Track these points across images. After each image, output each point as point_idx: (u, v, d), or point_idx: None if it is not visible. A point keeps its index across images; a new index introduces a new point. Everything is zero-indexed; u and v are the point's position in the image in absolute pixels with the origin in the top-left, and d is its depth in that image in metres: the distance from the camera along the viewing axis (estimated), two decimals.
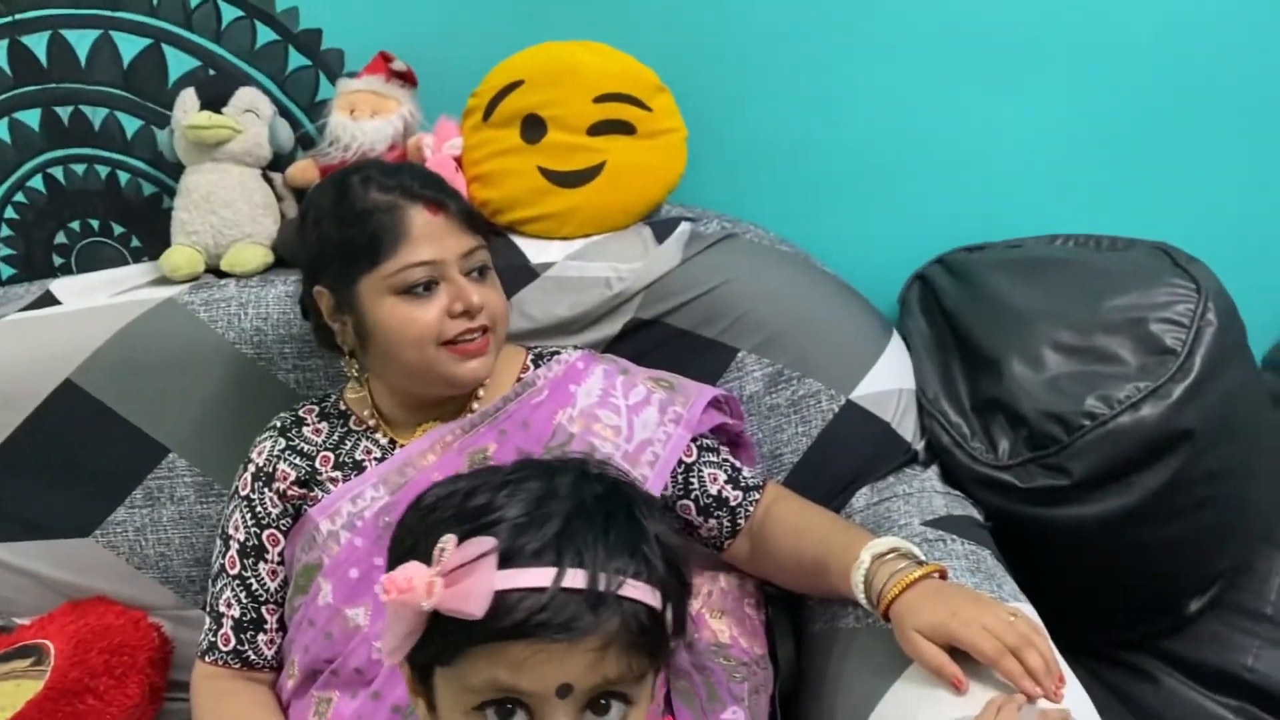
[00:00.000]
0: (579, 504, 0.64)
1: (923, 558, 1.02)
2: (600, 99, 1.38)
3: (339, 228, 1.13)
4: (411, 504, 0.70)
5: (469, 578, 0.59)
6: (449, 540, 0.61)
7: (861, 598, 1.02)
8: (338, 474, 1.16)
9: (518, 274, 1.33)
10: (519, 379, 1.20)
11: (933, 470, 1.31)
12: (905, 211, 1.54)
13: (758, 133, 1.52)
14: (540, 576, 0.60)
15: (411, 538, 0.66)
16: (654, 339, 1.33)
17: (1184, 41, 1.46)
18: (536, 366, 1.21)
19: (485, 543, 0.60)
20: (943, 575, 1.00)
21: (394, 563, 0.66)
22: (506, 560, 0.61)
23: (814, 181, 1.54)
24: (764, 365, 1.32)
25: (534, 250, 1.36)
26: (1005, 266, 1.40)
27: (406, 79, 1.42)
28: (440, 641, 0.63)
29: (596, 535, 0.63)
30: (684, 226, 1.38)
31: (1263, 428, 1.30)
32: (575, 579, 0.61)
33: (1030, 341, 1.28)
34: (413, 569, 0.61)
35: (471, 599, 0.59)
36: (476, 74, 1.41)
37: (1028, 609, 1.06)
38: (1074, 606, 1.31)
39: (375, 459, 1.17)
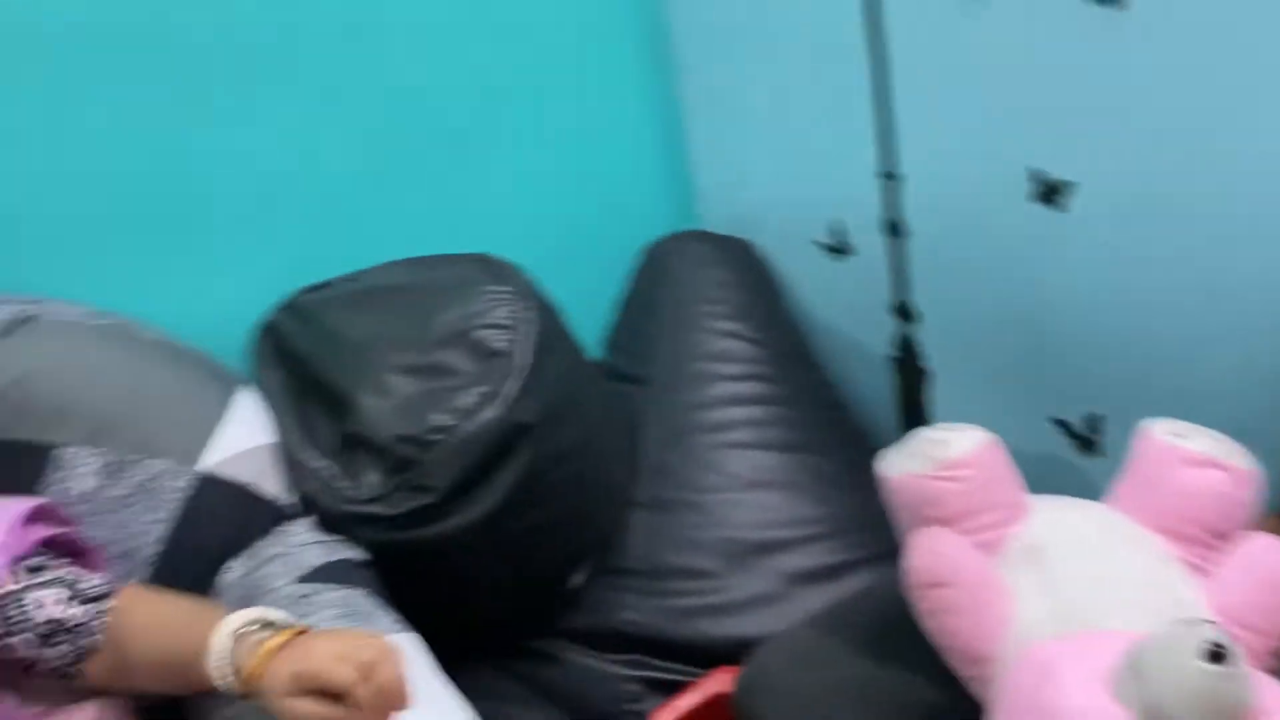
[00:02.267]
0: None
1: (287, 622, 0.97)
2: None
3: None
4: None
5: None
6: None
7: (225, 682, 0.95)
8: None
9: None
10: None
11: (306, 522, 1.26)
12: (242, 261, 1.48)
13: (56, 197, 1.36)
14: None
15: None
16: None
17: (466, 67, 1.57)
18: None
19: None
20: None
21: None
22: None
23: (136, 242, 1.41)
24: (94, 457, 1.18)
25: None
26: (344, 301, 1.39)
27: None
28: None
29: None
30: None
31: (597, 404, 1.43)
32: None
33: (375, 371, 1.28)
34: None
35: None
36: None
37: (405, 639, 1.06)
38: (475, 614, 1.35)
39: None
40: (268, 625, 0.97)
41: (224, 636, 0.95)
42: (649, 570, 1.40)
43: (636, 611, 1.38)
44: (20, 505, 1.06)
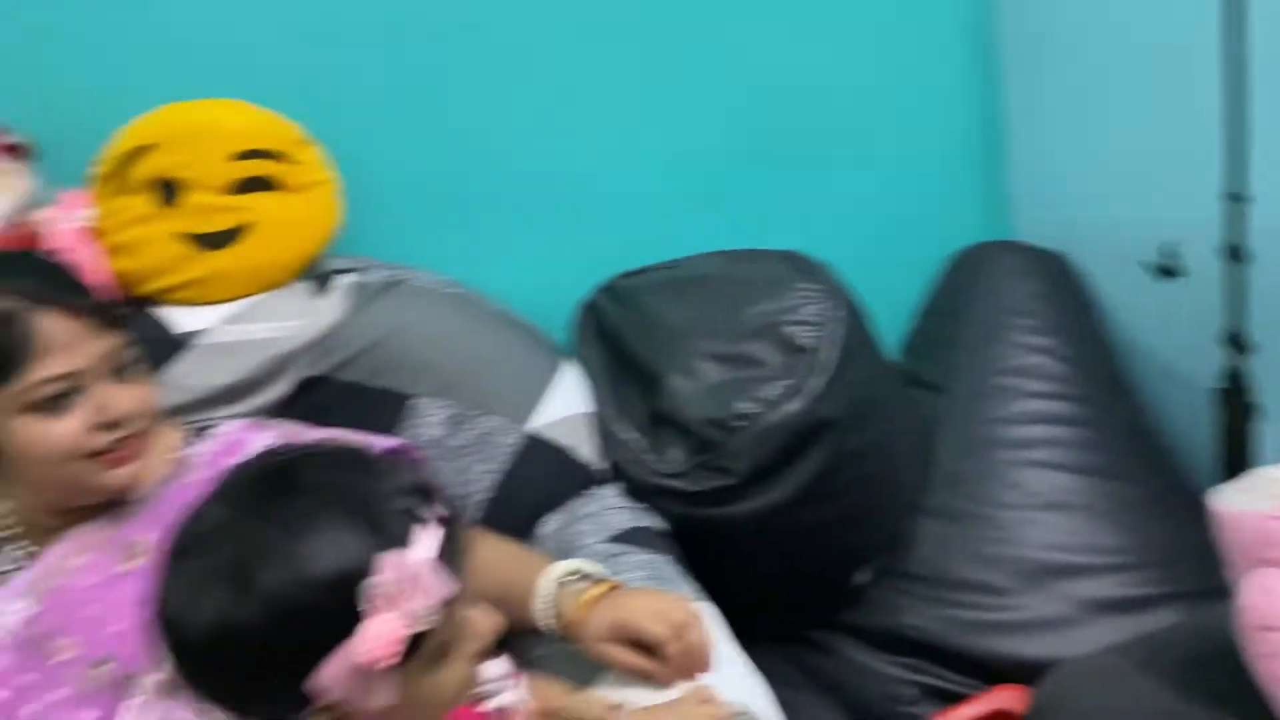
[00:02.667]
0: (336, 491, 0.69)
1: (603, 575, 1.07)
2: (240, 156, 1.34)
3: None
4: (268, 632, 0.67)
5: (417, 582, 0.65)
6: (369, 583, 0.65)
7: (547, 623, 1.05)
8: None
9: (167, 346, 1.27)
10: (174, 460, 1.13)
11: (615, 488, 1.36)
12: (570, 244, 1.60)
13: (419, 178, 1.54)
14: (435, 534, 0.69)
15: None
16: (326, 397, 1.31)
17: (791, 70, 1.62)
18: (194, 444, 1.15)
19: (395, 557, 0.66)
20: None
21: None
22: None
23: (480, 222, 1.57)
24: (441, 409, 1.33)
25: (183, 319, 1.30)
26: (661, 288, 1.48)
27: (20, 152, 1.32)
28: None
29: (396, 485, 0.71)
30: (346, 278, 1.37)
31: (896, 408, 1.44)
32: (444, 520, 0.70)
33: (686, 355, 1.36)
34: (376, 629, 0.64)
35: (439, 586, 0.67)
36: (101, 141, 1.34)
37: (701, 607, 1.12)
38: (759, 596, 1.40)
39: (17, 569, 1.06)
40: (586, 577, 1.06)
41: (549, 582, 1.06)
42: (936, 579, 1.40)
43: (920, 617, 1.38)
44: (383, 443, 1.21)
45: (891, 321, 1.74)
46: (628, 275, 1.55)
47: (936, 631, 1.37)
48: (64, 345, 1.00)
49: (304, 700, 0.67)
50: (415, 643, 0.67)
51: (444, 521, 0.71)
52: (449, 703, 0.73)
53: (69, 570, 1.05)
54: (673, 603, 0.99)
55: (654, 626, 0.97)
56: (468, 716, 0.82)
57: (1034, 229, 1.75)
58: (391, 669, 0.66)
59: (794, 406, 1.29)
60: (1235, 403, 1.49)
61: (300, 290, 1.35)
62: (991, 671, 1.33)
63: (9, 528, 1.08)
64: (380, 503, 0.69)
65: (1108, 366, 1.59)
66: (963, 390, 1.53)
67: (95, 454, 1.02)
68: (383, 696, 0.67)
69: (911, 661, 1.38)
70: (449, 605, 0.70)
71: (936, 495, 1.46)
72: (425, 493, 0.71)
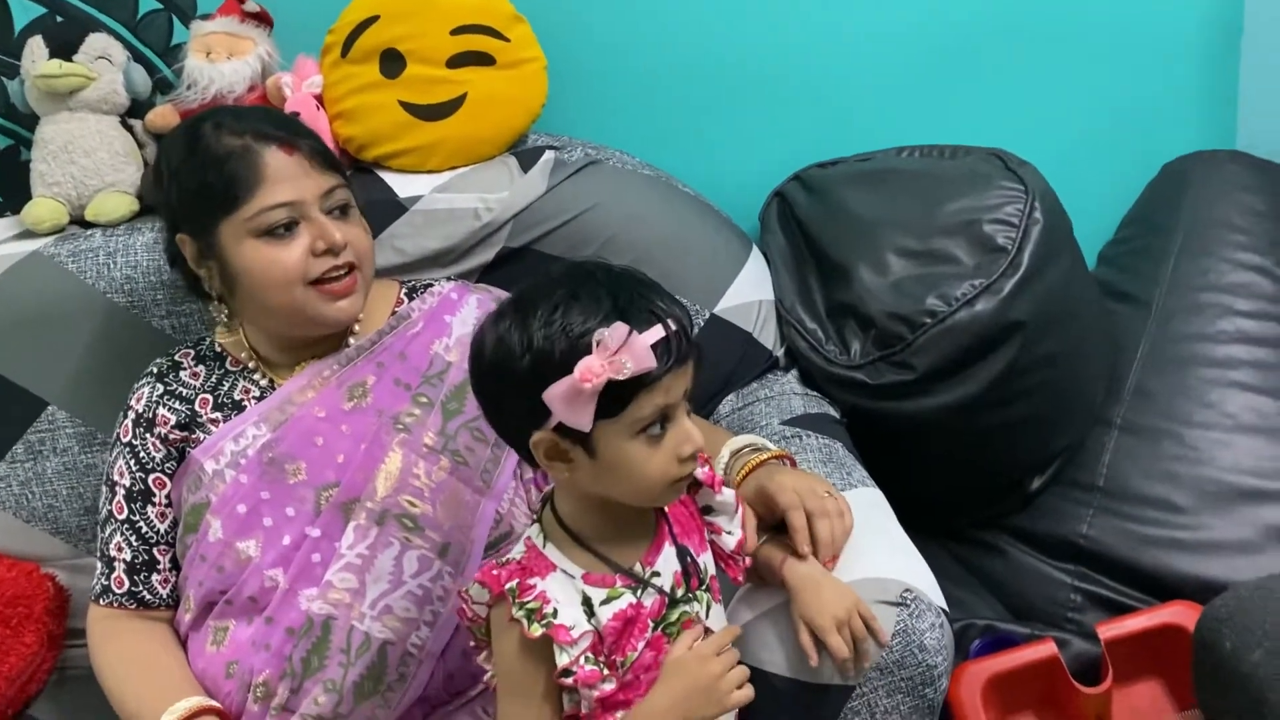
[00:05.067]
0: (623, 285, 0.88)
1: (775, 450, 1.11)
2: (458, 30, 1.40)
3: (194, 175, 1.13)
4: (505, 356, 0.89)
5: (630, 350, 0.83)
6: (601, 333, 0.84)
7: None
8: (218, 415, 1.19)
9: (386, 209, 1.36)
10: (393, 312, 1.23)
11: (792, 374, 1.39)
12: (764, 132, 1.60)
13: (620, 60, 1.56)
14: (658, 332, 0.86)
15: (550, 364, 0.86)
16: (525, 266, 1.37)
17: None
18: (410, 299, 1.25)
19: (623, 328, 0.84)
20: (791, 463, 1.09)
21: (541, 387, 0.86)
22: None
23: (677, 106, 1.59)
24: None
25: (401, 184, 1.39)
26: (854, 180, 1.47)
27: (261, 19, 1.42)
28: (610, 401, 0.85)
29: (657, 300, 0.88)
30: (548, 155, 1.42)
31: (1090, 317, 1.41)
32: (671, 327, 0.87)
33: (875, 249, 1.36)
34: (588, 362, 0.83)
35: (646, 358, 0.84)
36: (333, 11, 1.42)
37: (873, 493, 1.16)
38: (928, 492, 1.41)
39: (254, 398, 1.19)
40: (760, 450, 1.11)
41: (726, 453, 1.11)
42: (1115, 491, 1.39)
43: (1094, 528, 1.38)
44: None
45: (1094, 228, 1.68)
46: (821, 166, 1.55)
47: (1110, 543, 1.36)
48: (288, 177, 1.12)
49: (542, 413, 0.86)
50: (622, 404, 0.85)
51: (674, 331, 0.86)
52: (650, 483, 0.88)
53: (301, 403, 1.17)
54: (818, 492, 1.02)
55: (784, 498, 1.01)
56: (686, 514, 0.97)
57: (1259, 139, 1.63)
58: (595, 409, 0.84)
59: (983, 306, 1.28)
60: None
61: (507, 164, 1.42)
62: (1163, 588, 1.31)
63: (249, 360, 1.21)
64: (630, 298, 0.86)
65: None
66: (1163, 304, 1.48)
67: (316, 281, 1.13)
68: (585, 419, 0.84)
69: (1080, 570, 1.38)
70: (654, 387, 0.85)
71: (1124, 408, 1.43)
72: (664, 305, 0.88)
